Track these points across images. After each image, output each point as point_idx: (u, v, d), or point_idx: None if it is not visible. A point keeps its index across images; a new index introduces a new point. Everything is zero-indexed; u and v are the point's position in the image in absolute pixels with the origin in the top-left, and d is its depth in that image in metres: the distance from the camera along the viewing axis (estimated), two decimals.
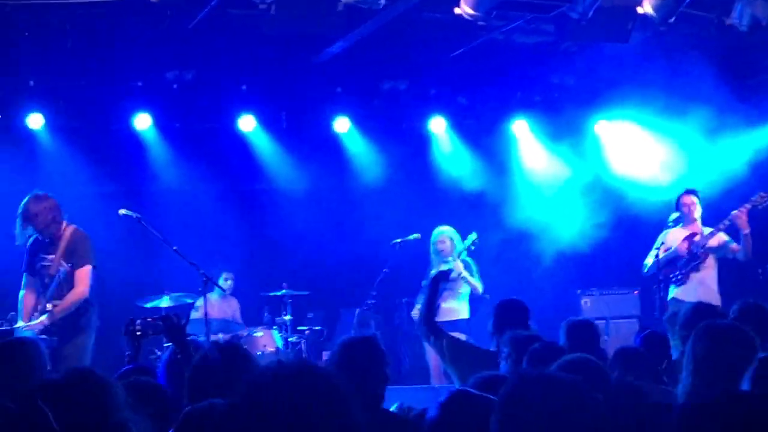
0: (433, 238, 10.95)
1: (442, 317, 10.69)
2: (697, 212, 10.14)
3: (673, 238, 10.19)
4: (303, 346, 11.48)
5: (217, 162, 12.75)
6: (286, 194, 13.10)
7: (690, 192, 10.27)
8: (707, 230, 10.06)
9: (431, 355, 10.48)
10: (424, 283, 10.54)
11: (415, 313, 10.99)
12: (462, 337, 9.93)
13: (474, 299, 10.89)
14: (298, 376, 2.33)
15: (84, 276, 8.33)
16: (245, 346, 10.57)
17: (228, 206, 12.95)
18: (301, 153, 12.88)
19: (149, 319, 5.59)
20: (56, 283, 8.28)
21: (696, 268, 10.04)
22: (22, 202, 8.39)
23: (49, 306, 8.25)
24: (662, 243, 10.20)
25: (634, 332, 11.49)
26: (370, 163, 13.11)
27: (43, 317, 8.20)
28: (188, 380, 4.27)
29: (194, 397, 4.04)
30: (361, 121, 12.93)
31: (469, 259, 10.83)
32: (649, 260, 10.23)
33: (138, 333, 5.56)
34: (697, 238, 10.04)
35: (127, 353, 5.61)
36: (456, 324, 10.57)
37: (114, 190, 12.19)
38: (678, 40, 11.24)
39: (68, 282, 8.33)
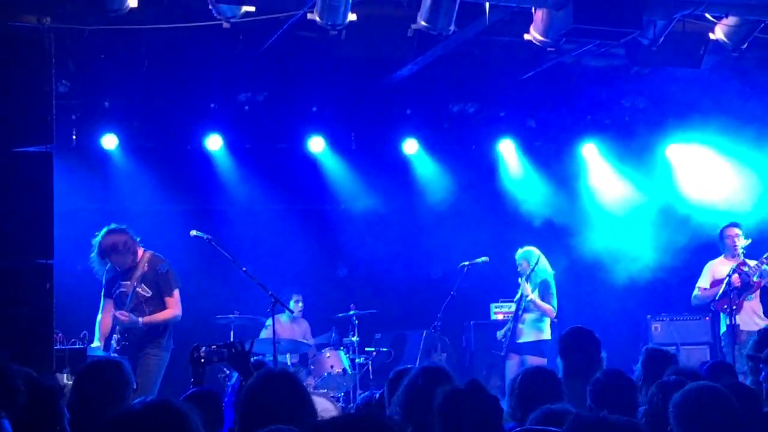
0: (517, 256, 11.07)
1: (523, 338, 10.77)
2: (741, 244, 10.57)
3: (719, 269, 10.61)
4: (370, 367, 11.49)
5: (286, 182, 12.87)
6: (354, 215, 13.15)
7: (733, 225, 10.77)
8: (752, 262, 10.47)
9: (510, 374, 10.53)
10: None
11: (499, 333, 11.01)
12: (543, 360, 9.95)
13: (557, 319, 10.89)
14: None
15: (175, 300, 8.67)
16: (312, 366, 10.94)
17: (297, 226, 13.03)
18: (370, 174, 12.95)
19: (213, 347, 5.64)
20: (130, 298, 8.46)
21: (748, 298, 10.49)
22: (98, 237, 8.68)
23: (123, 315, 8.46)
24: (708, 274, 10.69)
25: (704, 358, 11.38)
26: (439, 185, 13.13)
27: (124, 316, 8.41)
28: (236, 408, 4.30)
29: (244, 426, 4.08)
30: (429, 143, 12.97)
31: (549, 279, 10.76)
32: (699, 292, 10.71)
33: (202, 360, 5.62)
34: (745, 268, 10.42)
35: (192, 380, 5.67)
36: (538, 345, 10.63)
37: (186, 209, 12.42)
38: (752, 63, 11.07)
39: (151, 305, 8.57)
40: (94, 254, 8.61)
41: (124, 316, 8.46)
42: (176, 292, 8.64)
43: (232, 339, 10.58)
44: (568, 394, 5.14)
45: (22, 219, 6.94)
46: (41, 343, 6.88)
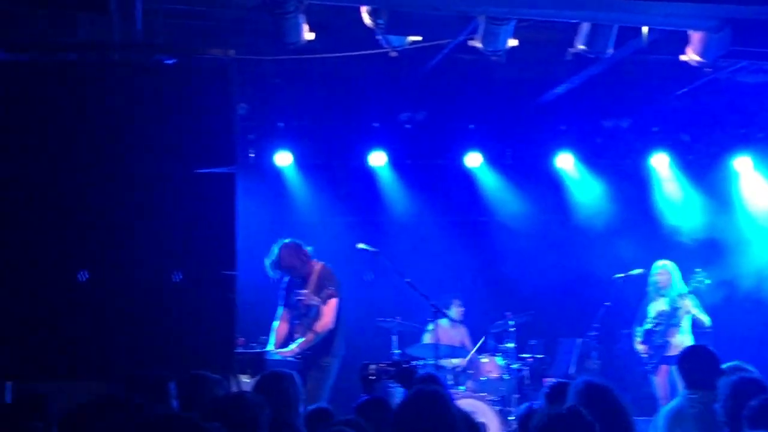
0: (653, 270, 10.83)
1: (671, 352, 10.51)
2: None
3: None
4: (526, 373, 11.35)
5: (445, 196, 12.90)
6: (509, 226, 13.05)
7: None
8: None
9: (659, 387, 10.24)
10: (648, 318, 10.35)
11: (640, 346, 10.75)
12: None
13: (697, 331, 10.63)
14: None
15: (330, 309, 8.81)
16: (471, 371, 10.86)
17: (455, 237, 13.02)
18: (525, 187, 12.84)
19: (382, 365, 5.68)
20: (311, 314, 8.65)
21: None
22: (273, 251, 8.92)
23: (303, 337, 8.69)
24: None
25: None
26: (593, 198, 12.88)
27: (294, 345, 8.59)
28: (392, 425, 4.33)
29: None
30: (583, 157, 12.76)
31: (691, 297, 10.50)
32: None
33: (372, 377, 5.66)
34: None
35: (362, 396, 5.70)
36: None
37: (352, 221, 12.56)
38: None
39: (318, 314, 8.74)
40: (270, 266, 8.82)
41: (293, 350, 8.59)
42: (334, 301, 8.77)
43: (395, 343, 10.74)
44: None
45: (208, 234, 7.15)
46: (226, 347, 7.08)
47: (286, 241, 8.95)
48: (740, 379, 5.24)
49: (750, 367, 6.22)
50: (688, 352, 6.17)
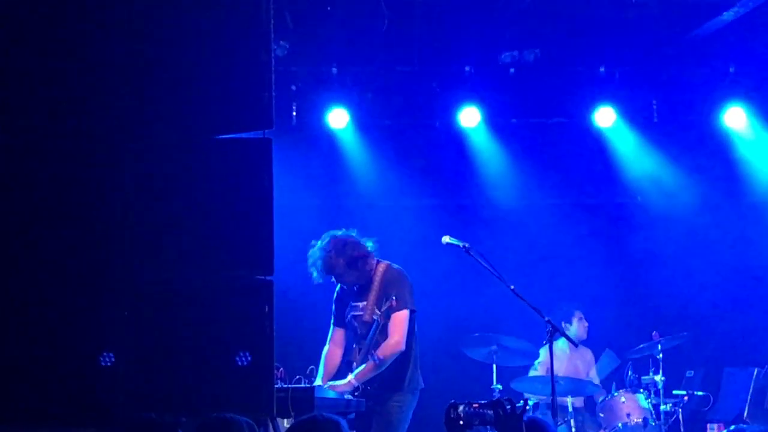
0: None
1: None
2: None
3: None
4: (680, 417, 11.18)
5: (564, 168, 12.89)
6: (658, 212, 13.01)
7: None
8: None
9: None
10: None
11: None
12: None
13: None
14: None
15: (399, 324, 8.62)
16: (602, 413, 10.82)
17: (578, 225, 13.04)
18: (677, 155, 12.78)
19: (475, 406, 5.58)
20: (373, 332, 8.60)
21: None
22: (318, 247, 8.81)
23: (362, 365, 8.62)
24: None
25: None
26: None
27: (351, 376, 8.52)
28: None
29: None
30: (762, 111, 12.57)
31: None
32: None
33: (461, 423, 5.57)
34: None
35: None
36: None
37: (434, 204, 12.68)
38: None
39: (384, 334, 8.65)
40: (314, 269, 8.76)
41: (350, 382, 8.58)
42: (405, 313, 8.65)
43: (495, 374, 10.69)
44: None
45: (233, 225, 7.04)
46: (260, 381, 7.01)
47: (337, 233, 8.84)
48: None
49: None
50: None
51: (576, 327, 11.95)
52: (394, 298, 8.58)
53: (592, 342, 12.21)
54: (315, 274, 8.78)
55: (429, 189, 12.75)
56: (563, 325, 11.69)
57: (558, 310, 11.60)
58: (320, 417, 5.57)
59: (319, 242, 8.83)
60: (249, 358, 6.80)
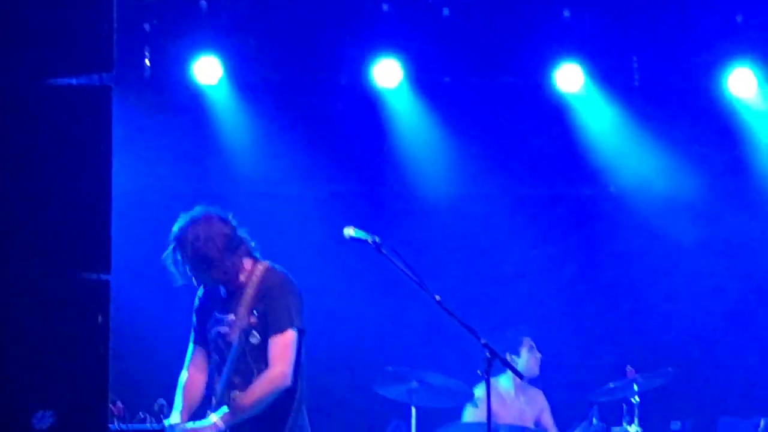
0: None
1: None
2: None
3: None
4: None
5: (515, 146, 13.05)
6: (638, 206, 13.20)
7: None
8: None
9: None
10: None
11: None
12: None
13: None
14: None
15: (284, 348, 8.59)
16: None
17: (531, 224, 13.24)
18: (669, 129, 12.95)
19: None
20: (234, 359, 8.62)
21: None
22: (175, 230, 8.72)
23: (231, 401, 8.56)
24: None
25: None
26: None
27: (216, 416, 8.54)
28: None
29: None
30: None
31: None
32: None
33: None
34: None
35: None
36: None
37: (334, 191, 12.83)
38: None
39: (259, 359, 8.62)
40: (170, 261, 8.76)
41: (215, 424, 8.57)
42: (290, 338, 8.65)
43: (413, 420, 10.78)
44: None
45: (56, 205, 7.01)
46: (89, 417, 7.00)
47: (201, 211, 8.79)
48: None
49: None
50: None
51: (525, 359, 11.99)
52: (281, 310, 8.56)
53: (547, 380, 12.29)
54: (171, 269, 8.77)
55: (330, 171, 12.87)
56: (509, 357, 11.71)
57: (501, 336, 11.57)
58: None
59: (179, 223, 8.78)
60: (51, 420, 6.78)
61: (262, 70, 12.43)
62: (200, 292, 8.92)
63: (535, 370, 12.02)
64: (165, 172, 12.18)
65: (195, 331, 8.96)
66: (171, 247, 8.64)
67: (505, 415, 11.52)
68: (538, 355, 12.08)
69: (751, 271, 13.04)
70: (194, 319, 8.97)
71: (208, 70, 12.20)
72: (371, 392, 11.12)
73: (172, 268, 8.66)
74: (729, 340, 12.88)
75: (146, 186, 11.79)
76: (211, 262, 8.62)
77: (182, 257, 8.61)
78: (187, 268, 8.63)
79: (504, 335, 11.71)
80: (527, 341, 12.01)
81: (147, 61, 12.01)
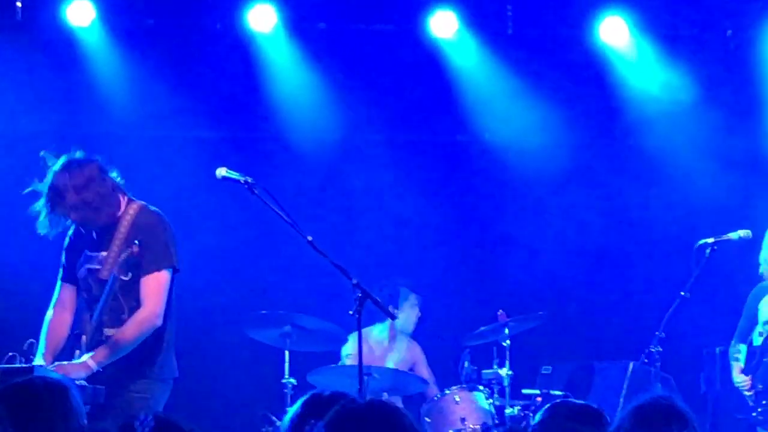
0: None
1: None
2: None
3: None
4: (530, 422, 11.23)
5: (389, 92, 12.94)
6: (510, 154, 13.12)
7: None
8: None
9: None
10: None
11: (739, 376, 10.91)
12: None
13: None
14: None
15: (156, 288, 8.50)
16: (427, 418, 10.85)
17: (405, 171, 13.13)
18: (541, 80, 12.92)
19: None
20: (108, 296, 8.38)
21: None
22: (49, 174, 8.54)
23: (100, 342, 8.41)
24: None
25: None
26: (668, 101, 12.86)
27: (87, 356, 8.32)
28: None
29: None
30: (650, 25, 12.76)
31: None
32: None
33: None
34: None
35: None
36: None
37: (209, 137, 12.67)
38: None
39: (130, 296, 8.46)
40: (41, 205, 8.48)
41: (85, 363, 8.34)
42: (164, 275, 8.52)
43: (287, 364, 10.61)
44: None
45: None
46: None
47: (75, 156, 8.52)
48: None
49: None
50: None
51: (406, 314, 12.05)
52: (136, 243, 8.37)
53: (420, 325, 12.31)
54: (43, 209, 8.48)
55: (205, 116, 12.72)
56: (391, 309, 11.62)
57: (382, 287, 11.55)
58: (40, 381, 5.36)
59: (53, 167, 8.52)
60: None
61: (136, 13, 12.29)
62: (71, 231, 8.80)
63: (410, 327, 12.09)
64: (38, 117, 11.95)
65: (63, 269, 8.85)
66: (47, 195, 8.48)
67: (379, 360, 11.56)
68: (419, 314, 12.14)
69: (620, 215, 13.16)
70: (63, 257, 8.87)
71: (81, 13, 11.97)
72: (244, 336, 10.99)
73: (44, 213, 8.51)
74: (599, 285, 12.99)
75: (19, 130, 11.65)
76: (88, 206, 8.52)
77: (59, 204, 8.48)
78: (63, 214, 8.54)
79: (385, 287, 11.69)
80: (413, 298, 12.07)
81: (19, 3, 11.84)
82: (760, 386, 10.82)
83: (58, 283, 8.81)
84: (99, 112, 12.24)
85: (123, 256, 8.35)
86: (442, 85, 12.98)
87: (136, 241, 8.37)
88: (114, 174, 8.69)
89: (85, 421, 5.31)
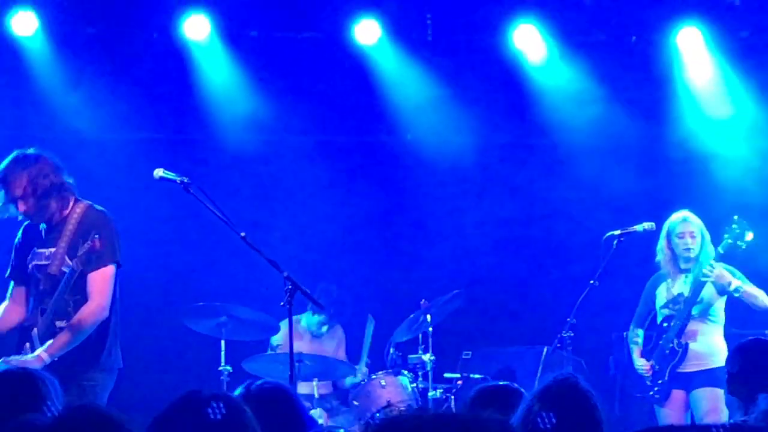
0: (671, 228, 11.03)
1: (689, 366, 10.81)
2: None
3: None
4: (452, 404, 11.38)
5: (315, 96, 12.96)
6: (428, 152, 13.19)
7: None
8: None
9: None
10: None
11: (639, 360, 11.07)
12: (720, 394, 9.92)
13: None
14: None
15: (103, 282, 8.51)
16: (356, 401, 10.95)
17: (331, 170, 13.20)
18: (456, 83, 12.94)
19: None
20: (60, 291, 8.43)
21: None
22: (2, 168, 8.55)
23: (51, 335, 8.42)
24: None
25: None
26: (574, 102, 13.00)
27: (40, 349, 8.35)
28: None
29: None
30: (559, 32, 12.88)
31: (723, 265, 10.87)
32: None
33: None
34: None
35: None
36: (711, 375, 10.58)
37: (147, 140, 12.62)
38: None
39: (77, 291, 8.49)
40: None
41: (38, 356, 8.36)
42: (110, 270, 8.56)
43: (222, 352, 10.76)
44: None
45: None
46: None
47: (28, 151, 8.58)
48: None
49: None
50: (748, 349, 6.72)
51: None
52: (97, 237, 8.41)
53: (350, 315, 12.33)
54: None
55: (144, 119, 12.70)
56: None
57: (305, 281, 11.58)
58: (14, 371, 5.53)
59: (5, 161, 8.57)
60: None
61: (77, 23, 12.19)
62: (20, 231, 8.83)
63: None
64: None
65: (12, 267, 8.88)
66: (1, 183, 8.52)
67: (305, 347, 11.47)
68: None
69: (534, 209, 13.27)
70: (13, 255, 8.88)
71: (24, 22, 11.93)
72: (182, 326, 11.06)
73: None
74: (514, 275, 13.02)
75: None
76: (40, 199, 8.53)
77: (7, 193, 8.50)
78: (14, 206, 8.54)
79: (308, 279, 11.67)
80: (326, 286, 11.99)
81: None
82: (657, 366, 10.97)
83: (11, 284, 8.85)
84: (44, 116, 12.19)
85: (82, 249, 8.41)
86: (367, 88, 12.98)
87: (96, 236, 8.40)
88: (64, 175, 8.71)
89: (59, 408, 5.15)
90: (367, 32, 12.64)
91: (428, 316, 11.38)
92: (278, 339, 11.42)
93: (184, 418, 4.19)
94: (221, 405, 4.23)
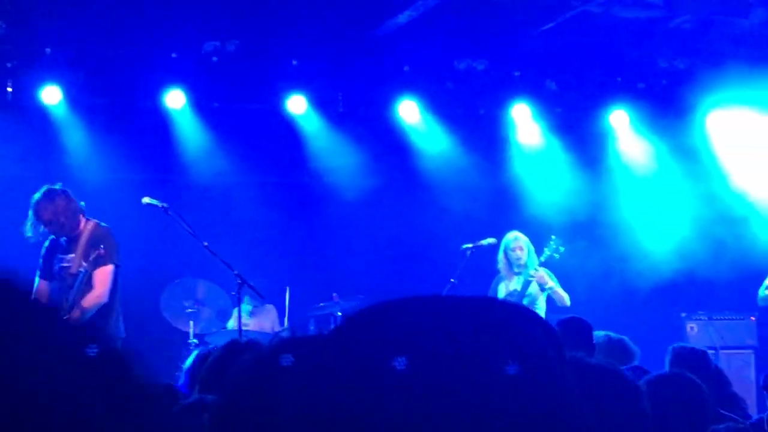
0: (506, 243, 11.16)
1: None
2: None
3: None
4: None
5: (260, 149, 12.97)
6: (340, 190, 13.25)
7: None
8: None
9: None
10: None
11: None
12: None
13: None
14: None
15: (104, 277, 8.70)
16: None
17: (271, 202, 13.15)
18: (360, 141, 13.04)
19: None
20: (77, 286, 8.61)
21: None
22: (33, 199, 8.78)
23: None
24: None
25: (748, 365, 11.43)
26: (440, 156, 13.24)
27: None
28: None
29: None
30: (431, 106, 13.05)
31: (545, 269, 11.02)
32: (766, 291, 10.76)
33: None
34: None
35: None
36: None
37: (139, 179, 12.50)
38: None
39: (88, 285, 8.68)
40: (30, 225, 8.71)
41: None
42: (109, 268, 8.72)
43: (191, 333, 10.89)
44: None
45: None
46: None
47: (54, 187, 8.81)
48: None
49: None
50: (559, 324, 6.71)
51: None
52: (102, 247, 8.57)
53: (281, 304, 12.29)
54: (28, 223, 8.69)
55: (135, 163, 12.56)
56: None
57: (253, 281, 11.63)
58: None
59: (37, 194, 8.78)
60: None
61: (91, 95, 12.12)
62: (46, 243, 8.97)
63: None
64: (23, 167, 11.66)
65: (41, 269, 9.00)
66: (31, 213, 8.71)
67: (250, 326, 11.65)
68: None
69: (410, 227, 13.22)
70: (41, 260, 9.01)
71: (51, 95, 11.91)
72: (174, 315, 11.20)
73: (30, 229, 8.69)
74: (398, 275, 12.61)
75: (9, 176, 11.55)
76: (63, 223, 8.74)
77: (40, 220, 8.69)
78: (43, 227, 8.74)
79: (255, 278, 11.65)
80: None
81: (9, 88, 11.76)
82: None
83: (36, 279, 8.98)
84: (67, 161, 12.15)
85: (92, 256, 8.60)
86: (296, 145, 13.07)
87: (102, 245, 8.62)
88: (78, 201, 8.93)
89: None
90: (296, 104, 12.72)
91: (338, 308, 11.54)
92: (232, 322, 11.45)
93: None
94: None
